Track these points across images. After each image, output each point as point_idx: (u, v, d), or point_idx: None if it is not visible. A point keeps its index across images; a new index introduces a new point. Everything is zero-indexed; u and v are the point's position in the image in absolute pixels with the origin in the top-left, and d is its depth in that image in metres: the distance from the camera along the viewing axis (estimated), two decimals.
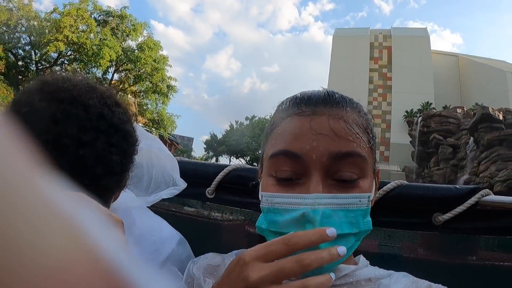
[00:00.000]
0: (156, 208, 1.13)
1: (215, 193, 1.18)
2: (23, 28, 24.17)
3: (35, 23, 23.46)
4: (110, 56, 20.86)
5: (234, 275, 0.56)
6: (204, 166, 1.27)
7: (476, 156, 22.13)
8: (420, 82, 46.68)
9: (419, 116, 33.51)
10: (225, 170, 1.17)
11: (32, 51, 24.86)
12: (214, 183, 1.17)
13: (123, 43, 23.06)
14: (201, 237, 1.14)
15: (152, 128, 25.15)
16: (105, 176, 0.69)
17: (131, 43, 23.80)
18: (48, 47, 21.52)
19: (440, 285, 0.71)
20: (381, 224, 1.02)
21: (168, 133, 25.85)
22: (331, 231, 0.58)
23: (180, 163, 1.16)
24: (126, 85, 23.72)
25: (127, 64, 22.62)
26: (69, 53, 22.69)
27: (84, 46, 21.14)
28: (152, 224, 0.97)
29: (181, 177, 1.07)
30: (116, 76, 23.66)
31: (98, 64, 20.89)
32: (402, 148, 38.50)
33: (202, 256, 0.89)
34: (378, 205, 0.92)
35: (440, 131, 27.66)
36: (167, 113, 25.07)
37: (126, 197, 0.88)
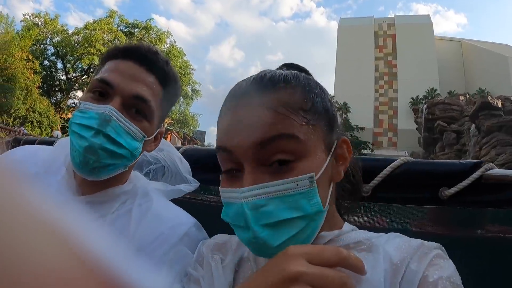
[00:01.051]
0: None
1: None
2: (51, 42, 26.29)
3: (63, 36, 25.63)
4: None
5: (274, 263, 0.55)
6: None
7: (478, 141, 23.89)
8: (424, 68, 47.97)
9: (424, 104, 35.15)
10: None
11: (58, 61, 27.01)
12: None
13: None
14: (214, 221, 1.10)
15: (177, 127, 27.42)
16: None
17: None
18: (82, 60, 23.69)
19: (432, 242, 0.70)
20: (390, 200, 1.05)
21: (191, 131, 28.09)
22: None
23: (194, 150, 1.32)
24: None
25: None
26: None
27: None
28: (168, 207, 1.02)
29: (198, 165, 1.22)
30: None
31: None
32: (409, 134, 40.11)
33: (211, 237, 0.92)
34: (386, 182, 1.01)
35: (444, 118, 29.47)
36: (190, 113, 27.21)
37: (149, 183, 1.06)
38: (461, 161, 1.01)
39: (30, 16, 28.44)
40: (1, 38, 24.51)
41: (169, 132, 30.96)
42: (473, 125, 24.67)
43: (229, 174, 0.70)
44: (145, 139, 0.94)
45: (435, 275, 0.63)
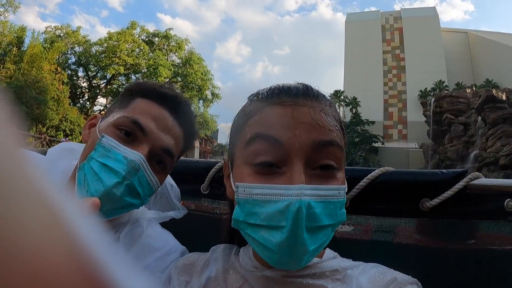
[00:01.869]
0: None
1: (209, 189, 1.22)
2: (74, 52, 27.92)
3: (86, 47, 27.31)
4: (165, 73, 24.69)
5: None
6: (196, 163, 1.30)
7: (484, 133, 25.07)
8: (432, 61, 48.76)
9: (433, 96, 36.09)
10: (216, 167, 1.21)
11: (79, 69, 28.64)
12: (207, 180, 1.21)
13: (168, 59, 26.73)
14: (202, 232, 1.11)
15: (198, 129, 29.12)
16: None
17: (174, 58, 27.46)
18: (108, 70, 25.40)
19: (408, 276, 0.69)
20: (370, 212, 1.02)
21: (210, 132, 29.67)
22: None
23: (180, 162, 1.21)
24: None
25: (175, 78, 26.32)
26: (124, 72, 26.45)
27: (139, 66, 24.98)
28: (157, 235, 0.99)
29: (179, 175, 1.18)
30: None
31: (157, 81, 24.73)
32: (418, 126, 41.22)
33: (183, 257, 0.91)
34: (365, 192, 0.97)
35: (451, 111, 30.66)
36: (209, 115, 28.77)
37: (141, 209, 1.01)
38: (443, 170, 0.96)
39: (52, 29, 30.19)
40: (29, 52, 26.15)
41: None
42: (480, 117, 25.77)
43: (264, 168, 0.66)
44: (157, 189, 0.92)
45: None
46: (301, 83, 0.75)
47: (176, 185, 1.14)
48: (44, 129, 23.24)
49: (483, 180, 0.92)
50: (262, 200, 0.63)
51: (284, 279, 0.70)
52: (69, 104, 25.87)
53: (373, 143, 42.27)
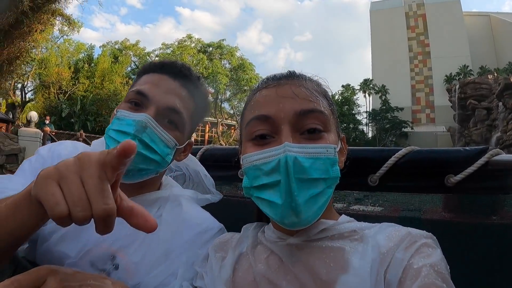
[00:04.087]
0: None
1: None
2: (133, 62, 32.04)
3: (148, 58, 31.56)
4: (224, 80, 28.96)
5: None
6: (233, 150, 1.35)
7: (505, 117, 27.56)
8: (456, 45, 50.83)
9: (458, 81, 38.13)
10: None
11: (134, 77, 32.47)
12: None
13: (223, 66, 30.90)
14: (236, 215, 1.13)
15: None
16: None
17: (227, 65, 31.59)
18: None
19: (423, 231, 0.74)
20: (397, 189, 1.07)
21: None
22: None
23: (218, 149, 1.41)
24: (224, 97, 31.78)
25: (230, 83, 30.49)
26: None
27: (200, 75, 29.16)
28: (197, 213, 1.04)
29: (217, 162, 1.34)
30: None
31: (218, 88, 29.05)
32: (445, 110, 43.52)
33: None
34: (392, 171, 1.03)
35: (475, 96, 33.18)
36: None
37: (180, 189, 1.11)
38: (466, 147, 0.99)
39: (112, 44, 34.61)
40: (100, 67, 30.17)
41: (232, 128, 36.78)
42: (501, 103, 28.32)
43: (260, 140, 0.78)
44: (176, 147, 0.98)
45: (420, 262, 0.66)
46: (288, 70, 0.88)
47: (209, 175, 1.24)
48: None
49: (504, 156, 0.95)
50: (260, 164, 0.75)
51: (304, 243, 0.78)
52: None
53: (403, 128, 45.46)
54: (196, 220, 1.02)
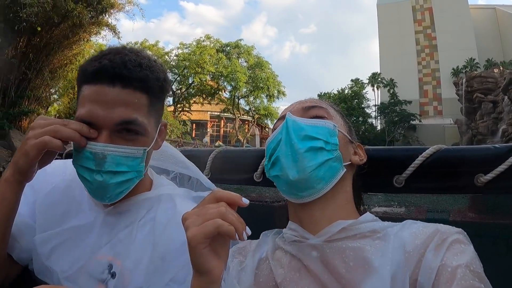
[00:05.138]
0: None
1: (262, 177, 1.21)
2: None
3: (166, 57, 33.10)
4: (243, 78, 30.62)
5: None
6: (248, 152, 1.32)
7: (510, 110, 28.65)
8: (462, 38, 51.44)
9: (465, 74, 38.98)
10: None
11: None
12: (260, 168, 1.20)
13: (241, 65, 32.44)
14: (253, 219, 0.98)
15: (265, 121, 35.11)
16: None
17: (244, 64, 33.12)
18: (194, 78, 31.41)
19: (452, 227, 0.71)
20: (424, 190, 1.02)
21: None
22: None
23: (233, 152, 1.35)
24: (240, 93, 33.38)
25: (247, 80, 32.06)
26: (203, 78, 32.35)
27: (219, 74, 30.88)
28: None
29: (232, 164, 1.29)
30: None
31: (238, 86, 30.82)
32: (452, 102, 44.56)
33: None
34: (419, 172, 0.96)
35: (481, 90, 34.22)
36: (272, 107, 34.37)
37: (172, 188, 1.06)
38: (495, 145, 0.93)
39: (131, 44, 35.56)
40: None
41: (246, 122, 38.29)
42: (506, 96, 29.44)
43: None
44: (147, 149, 0.91)
45: (454, 261, 0.62)
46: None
47: (207, 179, 1.17)
48: None
49: None
50: (270, 142, 0.86)
51: (325, 244, 0.76)
52: None
53: (411, 121, 46.78)
54: None
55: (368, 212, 0.85)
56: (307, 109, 0.86)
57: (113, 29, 15.78)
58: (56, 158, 0.95)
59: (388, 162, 1.02)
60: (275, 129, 0.87)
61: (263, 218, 0.93)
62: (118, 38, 16.01)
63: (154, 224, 0.92)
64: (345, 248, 0.75)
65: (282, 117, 0.87)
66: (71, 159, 0.90)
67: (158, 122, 0.96)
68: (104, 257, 0.90)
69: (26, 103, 13.58)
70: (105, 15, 14.83)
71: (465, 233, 0.71)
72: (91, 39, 16.66)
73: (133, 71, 0.85)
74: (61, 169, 0.98)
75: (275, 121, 0.94)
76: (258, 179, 1.21)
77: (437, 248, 0.66)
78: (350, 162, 0.85)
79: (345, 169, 0.82)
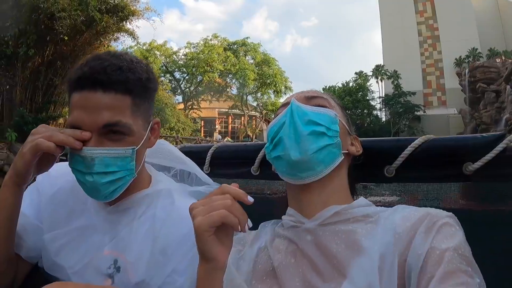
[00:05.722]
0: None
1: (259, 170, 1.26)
2: (162, 63, 34.45)
3: (174, 57, 34.07)
4: (252, 75, 31.49)
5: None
6: (246, 146, 1.36)
7: None
8: (464, 28, 51.70)
9: (467, 64, 39.29)
10: (265, 148, 1.12)
11: (162, 76, 34.77)
12: (257, 161, 1.25)
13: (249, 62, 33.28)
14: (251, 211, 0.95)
15: (272, 116, 35.90)
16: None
17: (250, 60, 33.99)
18: (204, 77, 32.26)
19: (442, 211, 0.71)
20: (415, 180, 1.03)
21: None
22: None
23: (231, 146, 1.40)
24: (248, 90, 34.23)
25: (255, 77, 32.90)
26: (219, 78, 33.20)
27: (228, 71, 31.75)
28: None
29: (230, 159, 1.34)
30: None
31: (247, 83, 31.68)
32: (456, 92, 44.95)
33: None
34: (409, 162, 0.99)
35: (484, 79, 34.83)
36: (280, 103, 35.07)
37: (169, 183, 1.08)
38: (483, 134, 0.95)
39: (141, 45, 35.87)
40: None
41: (254, 118, 39.04)
42: (508, 86, 30.13)
43: None
44: (136, 148, 0.92)
45: (442, 244, 0.63)
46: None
47: (206, 175, 1.21)
48: (163, 130, 27.88)
49: None
50: (273, 125, 0.86)
51: (319, 228, 0.78)
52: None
53: (416, 112, 47.31)
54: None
55: (362, 197, 0.88)
56: (309, 98, 0.88)
57: (132, 34, 16.66)
58: (62, 160, 0.99)
59: (379, 153, 1.05)
60: (277, 115, 0.88)
61: (261, 209, 0.93)
62: (138, 43, 16.78)
63: (154, 220, 0.96)
64: (338, 231, 0.76)
65: (285, 104, 0.90)
66: None
67: (148, 121, 0.98)
68: (109, 252, 0.94)
69: (53, 107, 14.47)
70: (126, 22, 15.70)
71: (456, 217, 0.71)
72: (111, 44, 17.54)
73: (112, 75, 0.87)
74: (66, 171, 0.98)
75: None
76: (255, 173, 1.28)
77: (427, 230, 0.67)
78: (347, 151, 0.87)
79: (343, 156, 0.84)
